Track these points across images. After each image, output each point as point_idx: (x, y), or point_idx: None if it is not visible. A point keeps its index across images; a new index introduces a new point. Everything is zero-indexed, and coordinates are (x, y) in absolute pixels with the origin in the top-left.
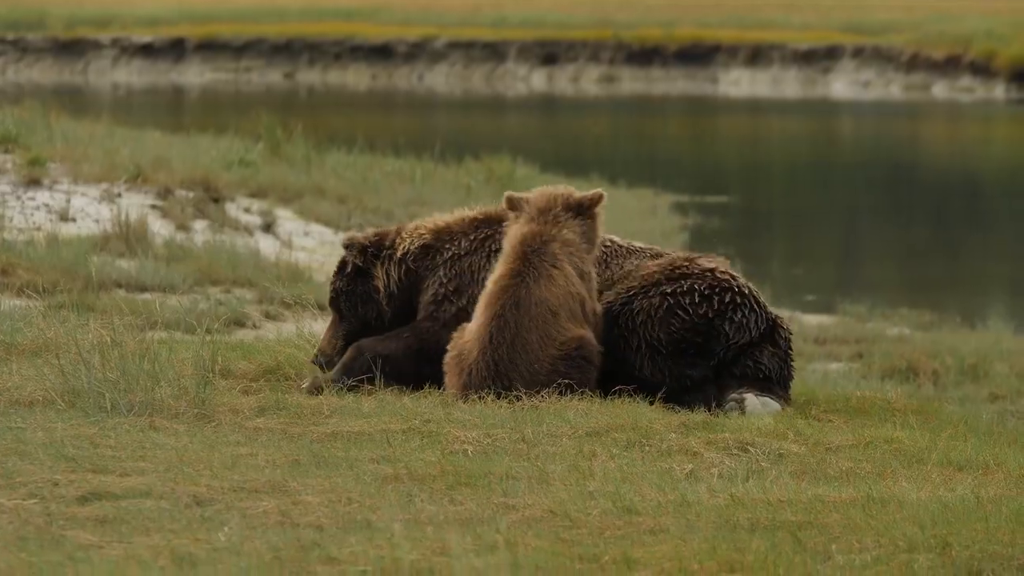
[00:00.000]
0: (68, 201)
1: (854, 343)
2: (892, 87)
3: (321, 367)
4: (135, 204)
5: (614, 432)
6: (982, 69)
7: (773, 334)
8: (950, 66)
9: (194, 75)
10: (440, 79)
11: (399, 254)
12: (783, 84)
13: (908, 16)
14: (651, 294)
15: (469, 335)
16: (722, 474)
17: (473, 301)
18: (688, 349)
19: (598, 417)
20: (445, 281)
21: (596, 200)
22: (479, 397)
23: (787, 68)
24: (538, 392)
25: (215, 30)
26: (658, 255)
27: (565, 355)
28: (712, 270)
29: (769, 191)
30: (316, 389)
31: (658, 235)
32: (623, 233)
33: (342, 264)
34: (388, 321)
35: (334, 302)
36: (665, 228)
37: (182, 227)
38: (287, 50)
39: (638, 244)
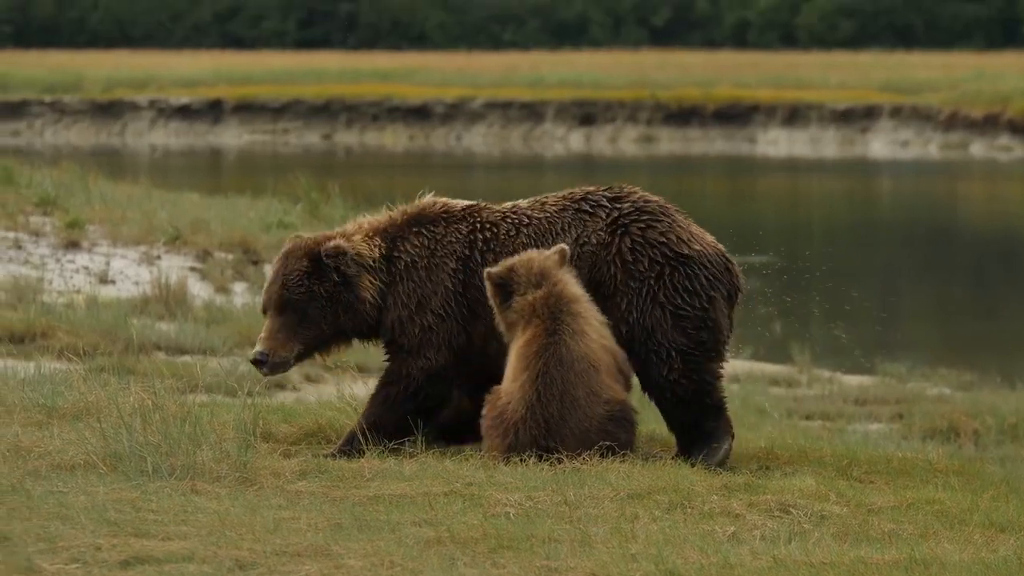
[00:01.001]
0: (107, 263)
1: (894, 403)
2: (930, 146)
3: (261, 369)
4: (174, 266)
5: (656, 494)
6: (1021, 128)
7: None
8: (988, 125)
9: (232, 136)
10: (478, 139)
11: (372, 263)
12: (821, 143)
13: (946, 75)
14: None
15: (508, 395)
16: (764, 536)
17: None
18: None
19: (640, 479)
20: (405, 299)
21: (567, 253)
22: (521, 459)
23: (825, 128)
24: (583, 452)
25: (253, 92)
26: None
27: (611, 415)
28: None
29: (808, 250)
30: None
31: None
32: None
33: (319, 269)
34: (358, 330)
35: (301, 305)
36: None
37: (221, 289)
38: (325, 111)
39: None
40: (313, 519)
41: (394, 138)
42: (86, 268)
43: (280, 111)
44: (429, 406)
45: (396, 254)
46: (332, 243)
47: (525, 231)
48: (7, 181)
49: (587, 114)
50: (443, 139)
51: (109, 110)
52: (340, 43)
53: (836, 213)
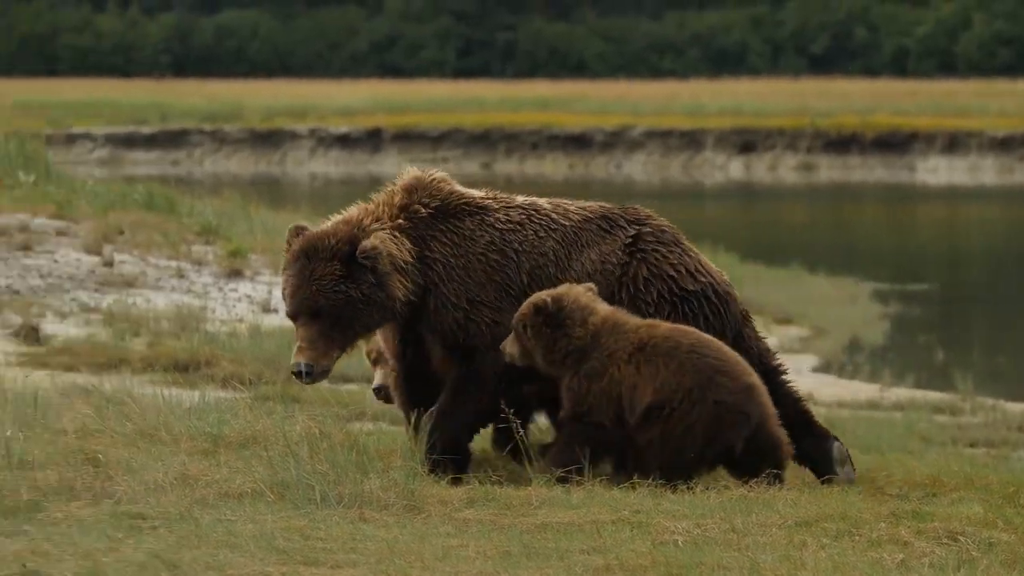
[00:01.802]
0: (269, 292)
1: None
2: None
3: (304, 381)
4: None
5: (823, 522)
6: None
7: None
8: None
9: (391, 165)
10: (637, 168)
11: (404, 263)
12: (980, 171)
13: None
14: None
15: None
16: (933, 564)
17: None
18: None
19: (807, 507)
20: (455, 300)
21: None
22: (688, 487)
23: (984, 155)
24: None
25: (412, 120)
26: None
27: None
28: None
29: (969, 279)
30: None
31: (859, 322)
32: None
33: (353, 271)
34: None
35: (337, 310)
36: (866, 316)
37: None
38: (484, 140)
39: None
40: (482, 547)
41: (554, 167)
42: (248, 296)
43: (439, 140)
44: (510, 404)
45: (429, 254)
46: (367, 243)
47: (553, 236)
48: (169, 210)
49: (747, 142)
50: (603, 167)
51: (269, 139)
52: (498, 72)
53: (996, 241)
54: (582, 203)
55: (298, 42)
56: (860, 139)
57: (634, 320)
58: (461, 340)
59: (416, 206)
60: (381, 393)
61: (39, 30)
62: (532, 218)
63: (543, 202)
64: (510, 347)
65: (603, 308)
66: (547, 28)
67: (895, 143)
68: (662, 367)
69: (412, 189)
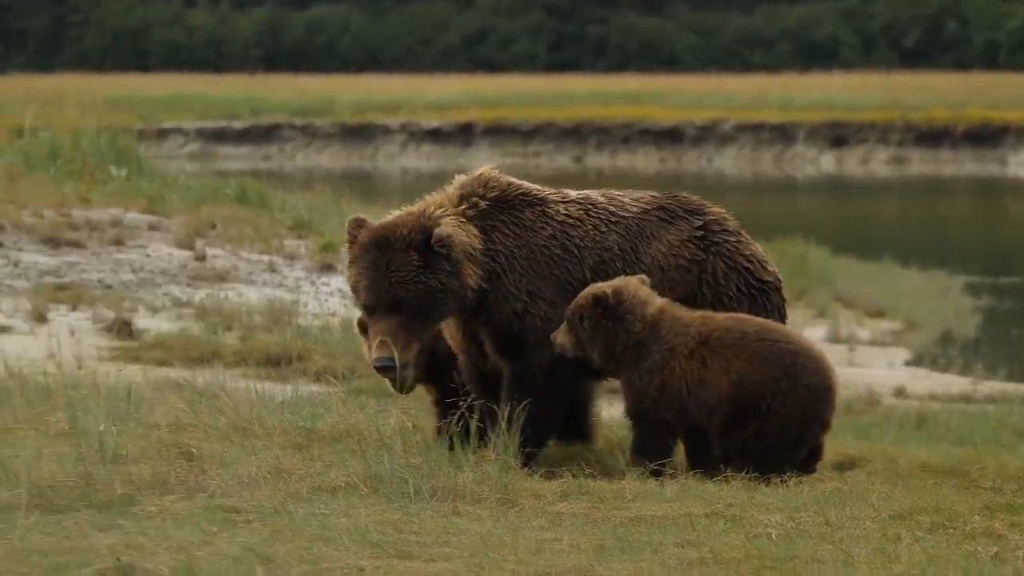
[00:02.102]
0: None
1: None
2: None
3: (391, 375)
4: None
5: (917, 515)
6: None
7: None
8: None
9: (483, 159)
10: (729, 162)
11: (473, 251)
12: None
13: None
14: None
15: None
16: None
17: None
18: None
19: (901, 500)
20: (515, 292)
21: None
22: (781, 480)
23: None
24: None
25: (504, 115)
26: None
27: None
28: None
29: None
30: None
31: (951, 316)
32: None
33: (430, 260)
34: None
35: (417, 301)
36: (958, 309)
37: None
38: (576, 134)
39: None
40: (575, 540)
41: (645, 160)
42: (340, 291)
43: (530, 134)
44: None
45: (492, 244)
46: (441, 231)
47: (616, 230)
48: (261, 205)
49: (838, 136)
50: (694, 161)
51: (360, 133)
52: (589, 66)
53: None
54: (635, 193)
55: (389, 37)
56: (952, 133)
57: (690, 313)
58: (515, 331)
59: (475, 198)
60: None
61: (131, 25)
62: (590, 212)
63: (596, 195)
64: (561, 337)
65: (658, 301)
66: (639, 22)
67: (986, 136)
68: (733, 359)
69: (469, 183)
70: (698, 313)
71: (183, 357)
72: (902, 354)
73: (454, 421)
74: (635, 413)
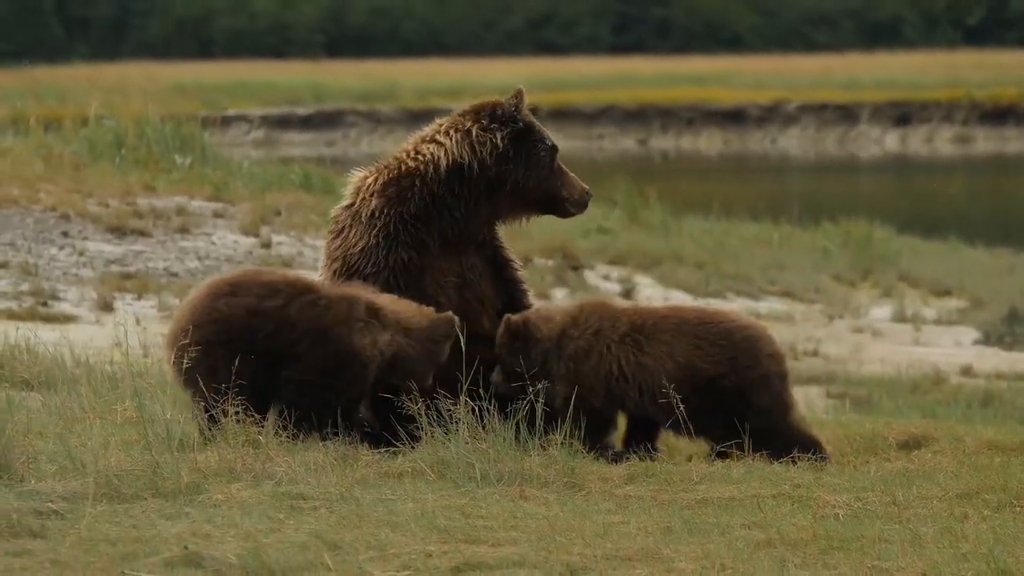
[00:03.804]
0: None
1: None
2: None
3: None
4: None
5: (984, 493)
6: None
7: None
8: None
9: None
10: (793, 142)
11: None
12: None
13: None
14: None
15: None
16: None
17: None
18: None
19: (968, 479)
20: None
21: None
22: (848, 461)
23: None
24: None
25: (567, 98)
26: None
27: None
28: None
29: None
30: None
31: (1017, 294)
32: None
33: None
34: None
35: None
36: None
37: (541, 295)
38: (640, 116)
39: None
40: (642, 523)
41: (709, 142)
42: None
43: (595, 117)
44: None
45: None
46: None
47: None
48: (326, 191)
49: (902, 115)
50: (758, 142)
51: (424, 118)
52: (653, 48)
53: None
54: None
55: (452, 21)
56: (1016, 111)
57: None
58: None
59: None
60: None
61: (194, 13)
62: None
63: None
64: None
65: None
66: (702, 3)
67: None
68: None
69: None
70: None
71: None
72: (968, 333)
73: (521, 406)
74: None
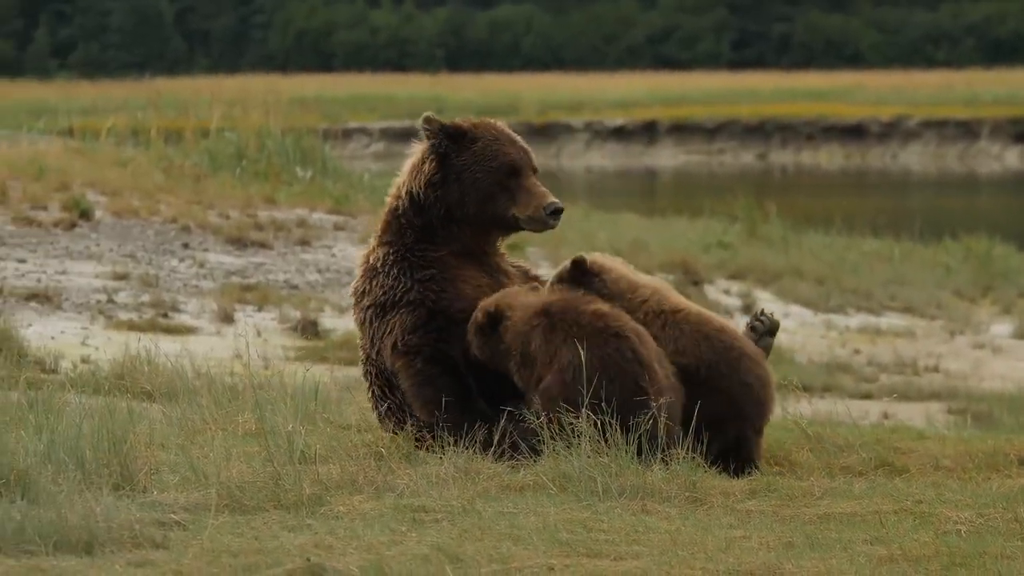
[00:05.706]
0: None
1: None
2: None
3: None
4: None
5: None
6: None
7: None
8: None
9: (667, 157)
10: (913, 158)
11: None
12: None
13: None
14: None
15: None
16: None
17: None
18: None
19: None
20: None
21: None
22: (970, 476)
23: None
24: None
25: (687, 112)
26: None
27: None
28: None
29: None
30: None
31: None
32: None
33: None
34: None
35: None
36: None
37: None
38: (760, 131)
39: None
40: (764, 538)
41: (829, 157)
42: None
43: (715, 131)
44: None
45: None
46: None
47: None
48: None
49: (1022, 131)
50: (879, 158)
51: (544, 132)
52: (773, 63)
53: None
54: None
55: (572, 36)
56: None
57: None
58: None
59: None
60: None
61: (314, 26)
62: None
63: None
64: None
65: None
66: (823, 19)
67: None
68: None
69: None
70: None
71: None
72: None
73: (645, 420)
74: None
